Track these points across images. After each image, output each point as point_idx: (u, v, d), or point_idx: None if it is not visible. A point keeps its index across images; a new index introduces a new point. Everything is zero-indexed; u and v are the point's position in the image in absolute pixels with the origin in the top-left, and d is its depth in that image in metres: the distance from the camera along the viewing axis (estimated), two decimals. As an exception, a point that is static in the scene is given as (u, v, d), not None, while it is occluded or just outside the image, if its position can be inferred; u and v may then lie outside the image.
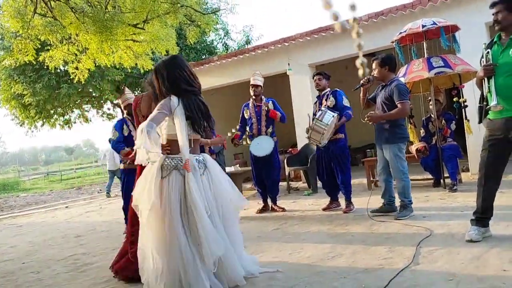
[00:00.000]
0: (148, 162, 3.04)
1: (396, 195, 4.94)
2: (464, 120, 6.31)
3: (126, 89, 5.60)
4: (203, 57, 17.86)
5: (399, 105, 4.66)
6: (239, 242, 3.25)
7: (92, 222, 7.41)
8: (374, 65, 4.89)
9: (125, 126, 5.31)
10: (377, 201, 5.19)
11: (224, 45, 20.90)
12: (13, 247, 5.96)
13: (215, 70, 10.39)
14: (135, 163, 3.14)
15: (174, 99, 3.02)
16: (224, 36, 20.94)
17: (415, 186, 6.24)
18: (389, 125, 4.75)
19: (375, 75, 4.88)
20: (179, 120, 2.98)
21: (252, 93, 6.00)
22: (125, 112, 5.50)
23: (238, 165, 9.15)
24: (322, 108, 5.34)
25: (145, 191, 2.97)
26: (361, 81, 4.95)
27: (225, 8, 17.34)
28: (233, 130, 6.56)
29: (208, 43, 19.13)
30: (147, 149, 2.89)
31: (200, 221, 2.87)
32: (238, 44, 21.14)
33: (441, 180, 6.34)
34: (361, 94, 5.07)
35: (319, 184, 6.73)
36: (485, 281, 2.66)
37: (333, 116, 5.13)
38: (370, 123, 4.84)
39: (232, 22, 59.68)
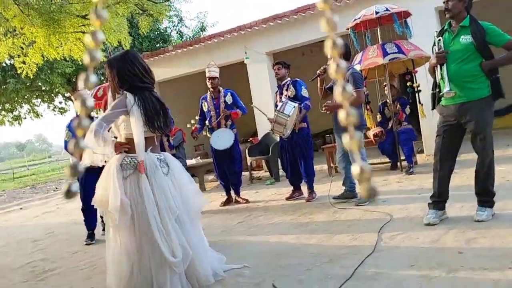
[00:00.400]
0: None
1: (356, 181, 5.04)
2: (418, 104, 6.51)
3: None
4: (157, 45, 17.43)
5: (354, 94, 4.72)
6: (204, 242, 3.20)
7: (49, 225, 7.12)
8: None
9: (78, 125, 5.08)
10: (338, 187, 5.28)
11: (179, 32, 20.46)
12: (-36, 256, 5.64)
13: (170, 60, 10.16)
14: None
15: (130, 97, 2.90)
16: (178, 23, 20.49)
17: (374, 170, 6.40)
18: (347, 113, 4.80)
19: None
20: (135, 119, 2.87)
21: (209, 86, 5.89)
22: (78, 109, 5.26)
23: (199, 157, 9.05)
24: (283, 99, 5.34)
25: (109, 192, 2.81)
26: (318, 72, 4.98)
27: (178, -5, 16.94)
28: (192, 121, 6.44)
29: (162, 31, 18.68)
30: (91, 147, 2.77)
31: (149, 226, 2.79)
32: (193, 31, 20.76)
33: (398, 163, 6.54)
34: (318, 84, 5.11)
35: (281, 172, 6.78)
36: (444, 265, 2.76)
37: (294, 107, 5.14)
38: (328, 112, 4.89)
39: (186, 8, 58.42)
